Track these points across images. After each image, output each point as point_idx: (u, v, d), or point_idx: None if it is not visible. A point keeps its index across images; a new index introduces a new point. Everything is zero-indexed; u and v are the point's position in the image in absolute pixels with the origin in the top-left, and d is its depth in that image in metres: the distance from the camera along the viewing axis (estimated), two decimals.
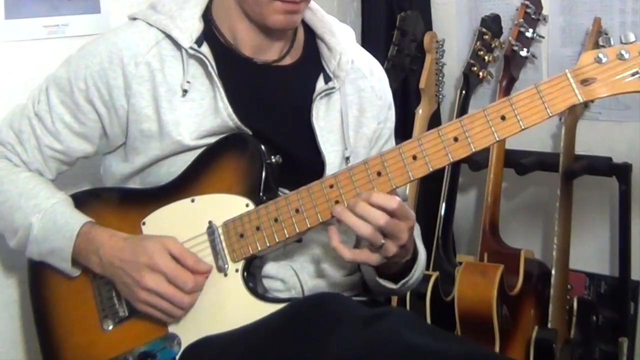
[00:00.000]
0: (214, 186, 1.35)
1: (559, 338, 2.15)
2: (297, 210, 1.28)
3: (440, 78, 2.45)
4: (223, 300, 1.33)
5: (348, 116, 1.45)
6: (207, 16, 1.43)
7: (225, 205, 1.33)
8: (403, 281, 1.38)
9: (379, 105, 1.51)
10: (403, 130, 2.14)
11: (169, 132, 1.36)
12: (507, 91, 2.30)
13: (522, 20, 2.26)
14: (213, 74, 1.36)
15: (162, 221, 1.37)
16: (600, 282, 2.43)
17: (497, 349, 2.03)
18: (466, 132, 1.21)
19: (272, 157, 1.34)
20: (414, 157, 1.23)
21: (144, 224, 1.38)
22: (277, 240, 1.30)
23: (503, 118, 1.20)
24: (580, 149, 2.28)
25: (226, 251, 1.33)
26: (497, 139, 1.21)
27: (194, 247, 1.34)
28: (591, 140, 2.34)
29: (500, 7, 2.43)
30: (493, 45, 2.33)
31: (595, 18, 2.20)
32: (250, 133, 1.37)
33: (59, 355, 1.45)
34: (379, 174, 1.24)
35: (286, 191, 1.33)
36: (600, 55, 1.18)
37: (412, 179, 1.24)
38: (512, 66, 2.29)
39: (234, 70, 1.40)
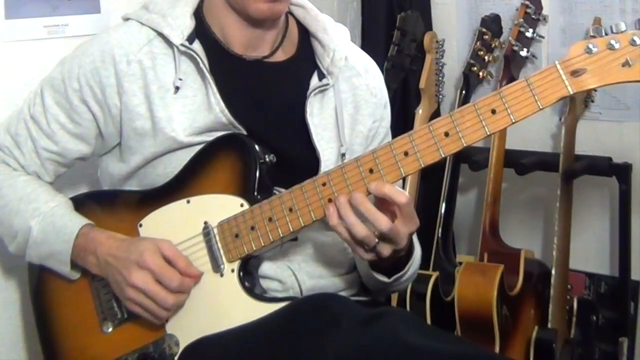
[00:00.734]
0: (209, 187, 1.35)
1: (559, 338, 2.15)
2: (290, 209, 1.28)
3: (440, 78, 2.45)
4: (220, 300, 1.33)
5: (343, 113, 1.46)
6: (198, 14, 1.43)
7: (220, 206, 1.34)
8: (396, 276, 1.37)
9: (374, 103, 1.51)
10: (403, 131, 2.12)
11: (162, 128, 1.36)
12: None
13: (522, 20, 2.26)
14: (205, 70, 1.37)
15: (158, 223, 1.37)
16: (600, 282, 2.43)
17: (497, 349, 2.03)
18: (457, 127, 1.20)
19: (266, 156, 1.35)
20: (406, 153, 1.22)
21: (140, 225, 1.39)
22: (271, 239, 1.30)
23: (493, 112, 1.19)
24: (580, 149, 2.28)
25: (222, 251, 1.33)
26: (488, 132, 1.19)
27: (190, 248, 1.34)
28: (591, 140, 2.34)
29: (500, 7, 2.43)
30: (493, 45, 2.33)
31: (595, 18, 2.20)
32: (244, 129, 1.37)
33: (60, 357, 1.46)
34: (370, 170, 1.24)
35: (282, 190, 1.33)
36: (590, 46, 1.16)
37: (403, 175, 1.23)
38: (512, 66, 2.28)
39: (225, 67, 1.41)
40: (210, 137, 1.37)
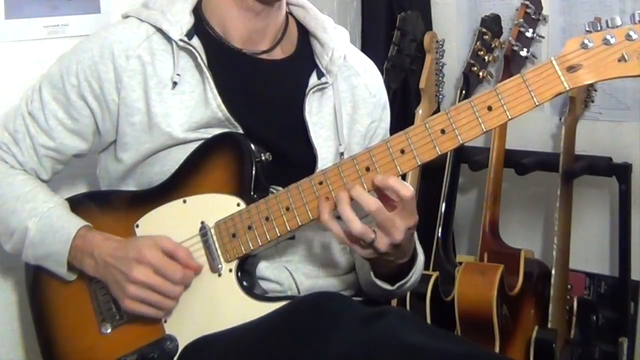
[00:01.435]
0: (205, 186, 1.35)
1: (559, 338, 2.15)
2: (287, 209, 1.28)
3: (440, 78, 2.45)
4: (218, 300, 1.33)
5: (342, 113, 1.46)
6: (197, 11, 1.44)
7: (216, 205, 1.33)
8: (400, 283, 1.37)
9: (372, 102, 1.51)
10: None
11: (157, 123, 1.36)
12: None
13: (522, 20, 2.26)
14: (203, 65, 1.37)
15: (154, 223, 1.37)
16: (600, 282, 2.43)
17: (497, 349, 2.03)
18: (453, 124, 1.19)
19: (262, 155, 1.34)
20: (402, 151, 1.22)
21: (137, 226, 1.39)
22: (269, 239, 1.30)
23: (490, 108, 1.18)
24: (580, 149, 2.28)
25: (219, 251, 1.33)
26: (484, 129, 1.19)
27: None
28: (591, 140, 2.34)
29: (500, 7, 2.42)
30: (493, 45, 2.33)
31: (595, 18, 2.20)
32: (240, 125, 1.37)
33: (58, 358, 1.45)
34: (367, 169, 1.23)
35: (279, 188, 1.33)
36: (586, 41, 1.16)
37: (400, 172, 1.23)
38: (512, 66, 2.28)
39: (224, 62, 1.41)
40: (206, 133, 1.37)
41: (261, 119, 1.41)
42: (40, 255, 1.41)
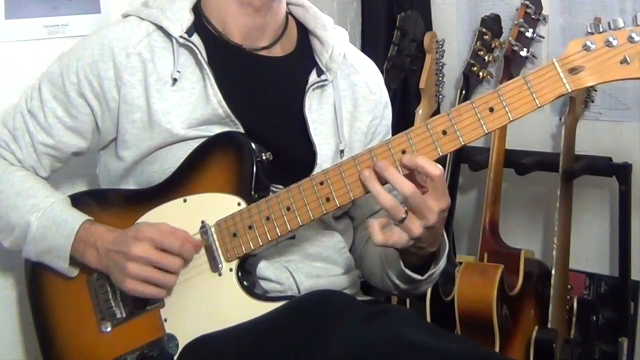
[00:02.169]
0: (206, 185, 1.35)
1: (559, 338, 2.15)
2: (288, 208, 1.28)
3: (440, 78, 2.45)
4: (218, 299, 1.33)
5: (342, 110, 1.46)
6: (197, 8, 1.44)
7: (217, 205, 1.33)
8: (430, 272, 1.34)
9: (373, 100, 1.51)
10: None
11: (157, 120, 1.36)
12: None
13: (522, 20, 2.26)
14: (203, 62, 1.37)
15: (155, 222, 1.37)
16: (600, 282, 2.43)
17: (497, 349, 2.03)
18: (454, 125, 1.19)
19: (263, 154, 1.34)
20: (403, 152, 1.21)
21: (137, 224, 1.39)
22: (269, 238, 1.30)
23: (491, 110, 1.18)
24: (580, 149, 2.28)
25: (220, 251, 1.33)
26: (486, 131, 1.19)
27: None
28: (591, 140, 2.34)
29: (500, 7, 2.42)
30: (493, 45, 2.33)
31: (595, 18, 2.20)
32: (240, 122, 1.37)
33: (58, 357, 1.46)
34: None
35: (279, 187, 1.33)
36: (588, 43, 1.15)
37: (402, 174, 1.22)
38: (512, 66, 2.28)
39: (224, 58, 1.41)
40: (207, 130, 1.37)
41: (261, 115, 1.41)
42: (42, 250, 1.41)
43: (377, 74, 1.57)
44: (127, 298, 1.39)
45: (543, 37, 2.31)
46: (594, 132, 2.35)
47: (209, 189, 1.35)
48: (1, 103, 1.60)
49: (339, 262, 1.48)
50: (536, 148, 2.41)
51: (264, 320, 1.27)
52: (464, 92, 2.33)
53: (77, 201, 1.45)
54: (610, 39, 1.15)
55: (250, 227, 1.30)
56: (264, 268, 1.38)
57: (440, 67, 2.45)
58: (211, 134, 1.37)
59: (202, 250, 1.34)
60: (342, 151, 1.43)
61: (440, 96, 2.47)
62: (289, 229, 1.29)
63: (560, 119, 2.33)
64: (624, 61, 1.14)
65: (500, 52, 2.33)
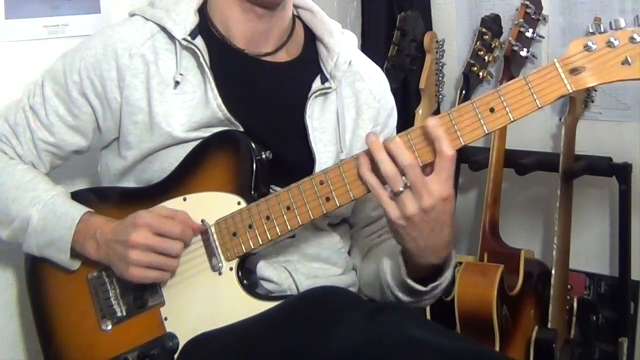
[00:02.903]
0: (206, 184, 1.35)
1: (559, 338, 2.15)
2: (288, 208, 1.28)
3: (440, 78, 2.45)
4: (218, 298, 1.33)
5: (345, 118, 1.45)
6: (202, 10, 1.44)
7: (217, 204, 1.33)
8: (433, 284, 1.31)
9: (376, 107, 1.50)
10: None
11: (158, 123, 1.36)
12: None
13: (522, 20, 2.26)
14: (205, 65, 1.37)
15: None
16: (600, 282, 2.43)
17: (497, 349, 2.03)
18: (455, 126, 1.19)
19: (262, 153, 1.34)
20: None
21: None
22: (269, 238, 1.30)
23: (492, 110, 1.18)
24: (580, 149, 2.28)
25: (220, 250, 1.33)
26: (487, 131, 1.18)
27: (187, 247, 1.34)
28: (591, 140, 2.34)
29: (500, 7, 2.43)
30: (493, 45, 2.33)
31: (595, 18, 2.20)
32: (240, 126, 1.37)
33: (60, 356, 1.46)
34: None
35: (277, 188, 1.33)
36: (589, 43, 1.15)
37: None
38: (512, 66, 2.28)
39: (226, 62, 1.41)
40: (207, 132, 1.37)
41: (261, 120, 1.41)
42: (43, 243, 1.41)
43: (383, 82, 1.55)
44: (127, 296, 1.39)
45: (543, 37, 2.31)
46: (594, 132, 2.35)
47: (208, 188, 1.35)
48: (1, 103, 1.60)
49: (338, 263, 1.48)
50: (536, 148, 2.41)
51: (265, 317, 1.27)
52: (464, 92, 2.33)
53: (77, 198, 1.45)
54: (612, 39, 1.14)
55: (250, 227, 1.30)
56: (263, 268, 1.38)
57: (440, 67, 2.45)
58: None
59: (202, 250, 1.34)
60: (345, 158, 1.42)
61: (440, 96, 2.47)
62: (289, 228, 1.29)
63: (560, 119, 2.33)
64: (625, 62, 1.14)
65: (500, 52, 2.33)
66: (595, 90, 2.28)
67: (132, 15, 1.46)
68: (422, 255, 1.26)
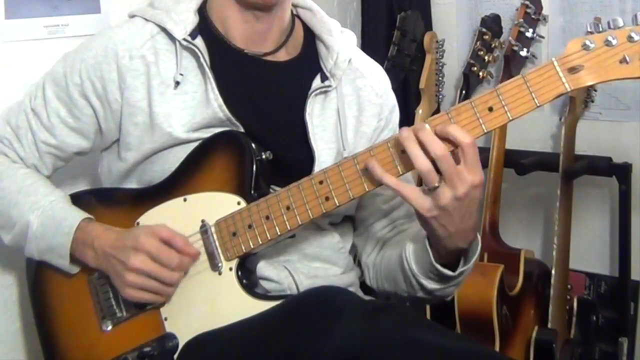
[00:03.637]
0: (206, 184, 1.35)
1: (559, 338, 2.16)
2: (287, 208, 1.28)
3: (440, 78, 2.46)
4: (218, 298, 1.33)
5: (346, 116, 1.45)
6: (202, 11, 1.44)
7: (217, 204, 1.33)
8: (462, 269, 1.30)
9: (378, 103, 1.50)
10: None
11: (159, 124, 1.36)
12: None
13: (522, 20, 2.26)
14: (205, 65, 1.37)
15: (155, 221, 1.37)
16: (600, 282, 2.43)
17: (497, 349, 2.03)
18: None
19: (263, 153, 1.34)
20: (403, 151, 1.20)
21: (138, 224, 1.39)
22: (269, 237, 1.30)
23: (490, 109, 1.17)
24: (580, 149, 2.28)
25: (220, 250, 1.33)
26: (485, 130, 1.18)
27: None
28: (591, 140, 2.34)
29: (500, 7, 2.43)
30: (493, 45, 2.33)
31: (595, 18, 2.20)
32: (241, 125, 1.37)
33: (60, 356, 1.46)
34: (367, 168, 1.23)
35: (277, 188, 1.33)
36: (587, 42, 1.15)
37: (401, 173, 1.22)
38: (512, 66, 2.29)
39: (226, 62, 1.41)
40: (207, 133, 1.37)
41: (262, 119, 1.41)
42: (43, 249, 1.41)
43: (383, 78, 1.55)
44: None
45: (543, 37, 2.32)
46: (594, 132, 2.35)
47: (209, 188, 1.35)
48: (1, 103, 1.60)
49: (338, 263, 1.48)
50: (536, 148, 2.42)
51: (264, 316, 1.27)
52: (464, 92, 2.33)
53: (78, 200, 1.45)
54: (610, 38, 1.14)
55: (249, 226, 1.30)
56: (263, 268, 1.38)
57: (440, 67, 2.45)
58: None
59: (202, 250, 1.34)
60: (345, 158, 1.42)
61: (440, 96, 2.47)
62: (289, 228, 1.29)
63: (560, 119, 2.33)
64: (623, 60, 1.14)
65: (500, 52, 2.33)
66: (595, 90, 2.28)
67: (131, 16, 1.46)
68: (452, 241, 1.25)
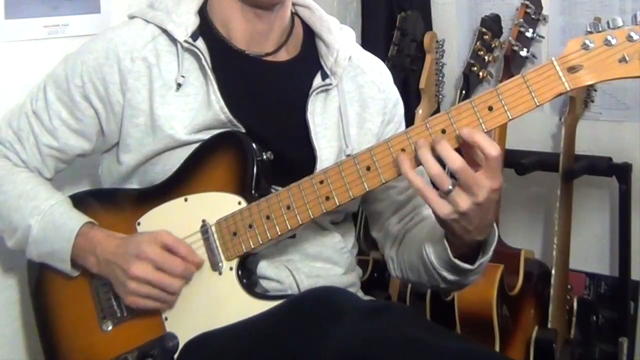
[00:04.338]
0: (207, 185, 1.35)
1: (559, 338, 2.16)
2: (288, 207, 1.28)
3: (440, 78, 2.45)
4: (219, 298, 1.33)
5: (348, 113, 1.45)
6: (203, 12, 1.44)
7: (218, 204, 1.34)
8: (481, 261, 1.30)
9: (381, 98, 1.50)
10: None
11: (160, 126, 1.36)
12: None
13: (522, 20, 2.26)
14: (207, 67, 1.37)
15: (156, 221, 1.37)
16: (600, 282, 2.43)
17: (497, 349, 2.03)
18: (454, 124, 1.18)
19: (264, 153, 1.34)
20: (403, 151, 1.21)
21: (138, 224, 1.39)
22: (269, 237, 1.30)
23: (490, 109, 1.17)
24: (580, 149, 2.28)
25: (220, 250, 1.33)
26: (485, 130, 1.18)
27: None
28: (591, 140, 2.34)
29: (500, 7, 2.43)
30: (493, 45, 2.33)
31: (594, 18, 2.20)
32: (242, 127, 1.37)
33: (60, 356, 1.46)
34: (368, 168, 1.23)
35: (279, 188, 1.32)
36: (587, 42, 1.15)
37: (401, 172, 1.21)
38: (512, 66, 2.28)
39: (227, 64, 1.41)
40: (209, 135, 1.37)
41: (264, 120, 1.40)
42: (43, 253, 1.41)
43: (385, 73, 1.55)
44: None
45: (543, 37, 2.31)
46: (594, 132, 2.35)
47: (209, 188, 1.35)
48: (1, 103, 1.60)
49: (339, 263, 1.48)
50: (536, 148, 2.41)
51: (265, 317, 1.27)
52: (464, 92, 2.33)
53: (79, 201, 1.46)
54: (609, 37, 1.14)
55: (250, 226, 1.30)
56: (264, 267, 1.38)
57: (440, 67, 2.45)
58: None
59: (203, 249, 1.34)
60: (348, 156, 1.41)
61: (440, 96, 2.47)
62: (289, 227, 1.29)
63: (560, 119, 2.33)
64: (622, 60, 1.14)
65: (500, 52, 2.33)
66: (595, 90, 2.28)
67: (131, 17, 1.45)
68: (471, 237, 1.25)
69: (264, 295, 1.33)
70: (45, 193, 1.44)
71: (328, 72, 1.44)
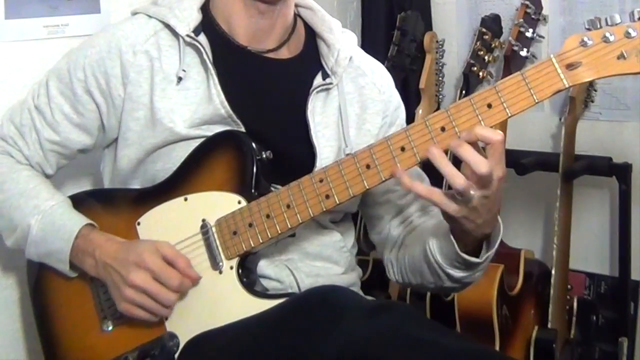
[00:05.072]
0: (206, 184, 1.35)
1: (559, 338, 2.16)
2: (288, 206, 1.28)
3: (440, 78, 2.46)
4: (219, 297, 1.33)
5: (348, 113, 1.45)
6: (205, 8, 1.44)
7: (217, 203, 1.34)
8: (488, 254, 1.30)
9: (381, 100, 1.50)
10: None
11: (160, 119, 1.36)
12: None
13: (522, 20, 2.26)
14: (208, 62, 1.37)
15: (156, 221, 1.38)
16: (600, 282, 2.43)
17: (497, 349, 2.03)
18: (453, 122, 1.18)
19: (263, 152, 1.34)
20: (402, 149, 1.21)
21: (138, 224, 1.39)
22: (269, 236, 1.30)
23: (489, 106, 1.17)
24: (580, 149, 2.28)
25: (220, 249, 1.33)
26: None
27: (188, 246, 1.35)
28: (591, 140, 2.34)
29: (500, 7, 2.43)
30: (493, 45, 2.33)
31: (594, 17, 2.20)
32: (242, 122, 1.37)
33: (60, 356, 1.46)
34: (367, 166, 1.23)
35: (279, 187, 1.33)
36: (585, 39, 1.15)
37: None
38: (512, 66, 2.28)
39: (229, 59, 1.41)
40: (209, 130, 1.37)
41: (263, 116, 1.41)
42: (42, 253, 1.42)
43: (385, 75, 1.55)
44: None
45: (543, 37, 2.31)
46: (594, 132, 2.35)
47: (209, 188, 1.35)
48: (2, 103, 1.60)
49: (339, 262, 1.48)
50: (536, 148, 2.41)
51: (266, 315, 1.27)
52: (464, 92, 2.33)
53: (79, 201, 1.46)
54: (607, 34, 1.15)
55: (250, 225, 1.31)
56: (264, 266, 1.38)
57: (440, 67, 2.45)
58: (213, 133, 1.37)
59: (203, 249, 1.34)
60: (347, 155, 1.41)
61: (440, 96, 2.48)
62: (289, 226, 1.29)
63: (560, 119, 2.33)
64: (621, 56, 1.14)
65: (500, 52, 2.33)
66: (595, 90, 2.28)
67: (134, 13, 1.46)
68: (478, 231, 1.25)
69: (265, 294, 1.33)
70: (46, 193, 1.44)
71: (329, 72, 1.45)
